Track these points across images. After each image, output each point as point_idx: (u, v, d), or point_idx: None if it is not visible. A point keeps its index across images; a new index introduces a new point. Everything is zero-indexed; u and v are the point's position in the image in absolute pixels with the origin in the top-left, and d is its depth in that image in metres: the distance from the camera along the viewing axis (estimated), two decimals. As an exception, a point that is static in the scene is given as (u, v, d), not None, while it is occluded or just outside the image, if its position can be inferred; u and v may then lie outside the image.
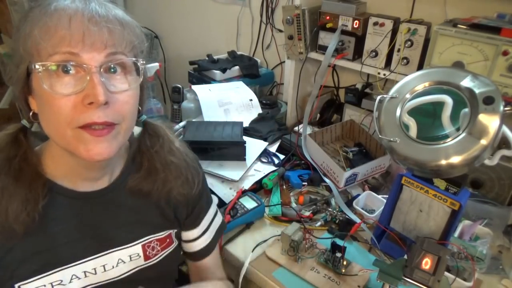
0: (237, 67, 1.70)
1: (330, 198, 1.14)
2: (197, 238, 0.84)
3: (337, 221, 1.06)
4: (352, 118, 1.39)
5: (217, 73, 1.63)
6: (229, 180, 1.18)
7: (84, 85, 0.55)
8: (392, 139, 0.74)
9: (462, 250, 0.88)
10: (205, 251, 0.86)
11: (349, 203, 1.11)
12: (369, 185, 1.21)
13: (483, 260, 0.91)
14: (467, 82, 0.71)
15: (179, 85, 1.62)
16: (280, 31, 1.69)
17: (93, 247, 0.69)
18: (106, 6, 0.58)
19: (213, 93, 1.51)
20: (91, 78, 0.54)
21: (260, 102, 1.54)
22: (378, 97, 0.81)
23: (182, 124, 1.38)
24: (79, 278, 0.68)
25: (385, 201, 0.98)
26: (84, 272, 0.68)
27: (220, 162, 1.23)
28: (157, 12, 2.24)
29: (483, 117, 0.67)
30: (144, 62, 0.62)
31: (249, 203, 1.08)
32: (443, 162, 0.68)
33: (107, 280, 0.71)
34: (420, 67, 1.14)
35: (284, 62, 1.70)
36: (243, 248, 0.99)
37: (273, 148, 1.35)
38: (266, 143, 1.34)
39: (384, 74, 1.21)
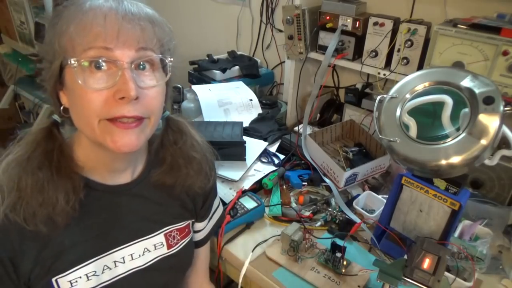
0: (237, 67, 1.70)
1: (330, 198, 1.14)
2: (203, 228, 0.88)
3: (337, 221, 1.06)
4: (352, 118, 1.39)
5: (217, 73, 1.63)
6: (229, 180, 1.18)
7: (115, 80, 0.57)
8: (392, 139, 0.74)
9: (462, 250, 0.88)
10: (203, 241, 0.90)
11: (349, 203, 1.11)
12: (369, 185, 1.21)
13: (483, 260, 0.91)
14: (467, 82, 0.71)
15: (179, 85, 1.62)
16: (280, 31, 1.69)
17: (121, 238, 0.72)
18: (138, 5, 0.60)
19: (213, 93, 1.51)
20: (122, 73, 0.57)
21: (260, 102, 1.54)
22: (378, 97, 0.81)
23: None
24: (110, 269, 0.70)
25: (385, 201, 0.98)
26: (114, 262, 0.71)
27: (220, 162, 1.23)
28: (157, 12, 2.24)
29: (483, 117, 0.67)
30: (171, 59, 0.64)
31: (249, 203, 1.08)
32: (443, 162, 0.68)
33: (134, 268, 0.74)
34: (420, 67, 1.14)
35: (284, 62, 1.70)
36: (243, 248, 0.99)
37: (273, 148, 1.35)
38: (266, 143, 1.34)
39: (384, 74, 1.21)
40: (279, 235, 0.98)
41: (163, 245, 0.77)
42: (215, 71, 1.64)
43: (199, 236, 0.89)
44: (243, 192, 1.12)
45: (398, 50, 1.16)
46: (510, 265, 0.93)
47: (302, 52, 1.36)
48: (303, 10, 1.29)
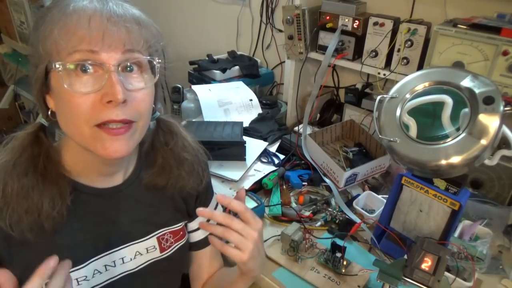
0: (237, 67, 1.70)
1: (330, 198, 1.14)
2: (199, 227, 0.86)
3: (337, 221, 1.06)
4: (352, 118, 1.39)
5: (217, 73, 1.63)
6: (229, 180, 1.18)
7: (102, 83, 0.56)
8: (392, 139, 0.74)
9: (462, 250, 0.88)
10: (206, 241, 0.87)
11: (349, 203, 1.11)
12: (369, 185, 1.21)
13: (483, 260, 0.90)
14: (467, 82, 0.71)
15: (179, 85, 1.62)
16: (280, 31, 1.69)
17: (112, 241, 0.71)
18: (123, 5, 0.59)
19: (213, 93, 1.51)
20: (109, 76, 0.56)
21: (260, 102, 1.54)
22: (378, 97, 0.81)
23: (182, 124, 1.37)
24: (101, 273, 0.69)
25: (385, 201, 0.98)
26: (105, 266, 0.70)
27: (220, 162, 1.23)
28: (157, 12, 2.24)
29: (483, 117, 0.67)
30: (159, 61, 0.63)
31: (249, 203, 1.08)
32: (443, 162, 0.68)
33: (125, 272, 0.73)
34: (420, 67, 1.14)
35: (284, 62, 1.70)
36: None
37: (273, 148, 1.35)
38: (266, 143, 1.34)
39: (384, 74, 1.21)
40: (279, 235, 0.98)
41: (156, 249, 0.76)
42: (215, 71, 1.64)
43: (197, 236, 0.87)
44: (243, 192, 1.12)
45: (398, 50, 1.16)
46: (510, 265, 0.93)
47: (302, 52, 1.36)
48: (303, 10, 1.29)
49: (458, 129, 0.70)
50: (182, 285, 0.89)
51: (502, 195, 1.07)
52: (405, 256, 0.81)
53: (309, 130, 1.34)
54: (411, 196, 0.89)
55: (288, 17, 1.31)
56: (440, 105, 0.73)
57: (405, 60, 1.16)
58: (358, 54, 1.28)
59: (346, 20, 1.25)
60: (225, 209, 1.02)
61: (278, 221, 1.08)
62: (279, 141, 1.38)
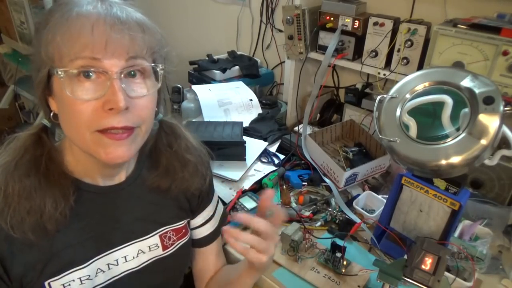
0: (237, 67, 1.70)
1: (330, 198, 1.14)
2: (204, 224, 0.86)
3: (337, 221, 1.06)
4: (352, 118, 1.39)
5: (217, 73, 1.63)
6: (229, 180, 1.18)
7: (104, 90, 0.56)
8: (392, 139, 0.74)
9: (462, 250, 0.88)
10: (211, 237, 0.88)
11: (349, 203, 1.11)
12: (369, 185, 1.21)
13: (483, 260, 0.90)
14: (467, 82, 0.71)
15: (179, 85, 1.62)
16: (280, 31, 1.69)
17: (115, 240, 0.71)
18: (127, 10, 0.58)
19: (213, 93, 1.51)
20: (111, 84, 0.55)
21: (260, 102, 1.54)
22: (378, 97, 0.81)
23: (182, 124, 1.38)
24: (104, 271, 0.69)
25: (385, 201, 0.98)
26: (108, 264, 0.70)
27: (220, 162, 1.23)
28: (156, 12, 2.24)
29: (483, 117, 0.67)
30: (163, 67, 0.63)
31: (249, 203, 1.08)
32: (443, 162, 0.68)
33: (127, 270, 0.73)
34: (420, 67, 1.14)
35: (284, 62, 1.70)
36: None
37: (273, 148, 1.35)
38: (266, 143, 1.34)
39: (384, 74, 1.21)
40: (279, 235, 0.98)
41: (158, 247, 0.76)
42: (215, 71, 1.64)
43: (202, 232, 0.86)
44: (243, 192, 1.12)
45: (398, 50, 1.16)
46: (510, 265, 0.93)
47: (302, 52, 1.36)
48: (303, 10, 1.29)
49: (458, 129, 0.70)
50: (184, 283, 0.89)
51: (502, 195, 1.07)
52: (405, 256, 0.81)
53: (309, 130, 1.34)
54: (411, 196, 0.89)
55: (288, 17, 1.31)
56: (440, 105, 0.73)
57: (405, 60, 1.16)
58: (358, 54, 1.28)
59: (346, 20, 1.25)
60: (225, 208, 1.03)
61: (278, 221, 1.08)
62: (279, 141, 1.38)
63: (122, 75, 0.57)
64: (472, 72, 0.73)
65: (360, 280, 0.88)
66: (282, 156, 1.31)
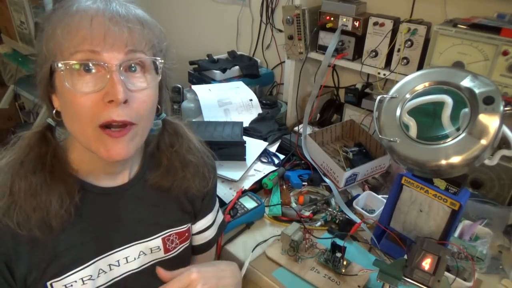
0: (237, 67, 1.70)
1: (330, 198, 1.14)
2: (203, 231, 0.86)
3: (337, 221, 1.06)
4: (352, 118, 1.39)
5: (217, 73, 1.63)
6: (229, 180, 1.18)
7: (104, 83, 0.56)
8: (392, 139, 0.74)
9: (462, 250, 0.88)
10: (207, 245, 0.88)
11: (349, 203, 1.11)
12: (369, 185, 1.21)
13: (483, 260, 0.91)
14: (467, 82, 0.71)
15: (179, 85, 1.62)
16: (280, 31, 1.69)
17: (117, 241, 0.71)
18: (127, 6, 0.59)
19: (213, 93, 1.51)
20: (111, 76, 0.56)
21: (260, 102, 1.54)
22: (378, 97, 0.81)
23: (183, 124, 1.38)
24: (105, 272, 0.70)
25: (385, 201, 0.98)
26: (109, 265, 0.70)
27: (220, 162, 1.23)
28: (157, 12, 2.24)
29: (483, 117, 0.67)
30: (162, 61, 0.64)
31: (249, 203, 1.08)
32: (443, 162, 0.68)
33: (128, 271, 0.73)
34: (420, 67, 1.14)
35: (284, 62, 1.70)
36: (243, 248, 0.99)
37: (273, 148, 1.35)
38: (266, 143, 1.34)
39: (384, 74, 1.21)
40: (279, 235, 0.98)
41: (160, 249, 0.76)
42: (215, 71, 1.64)
43: (201, 239, 0.87)
44: (243, 192, 1.12)
45: (398, 50, 1.16)
46: (510, 265, 0.93)
47: (302, 52, 1.36)
48: (303, 10, 1.29)
49: (458, 129, 0.70)
50: None
51: (502, 195, 1.07)
52: (405, 256, 0.81)
53: (309, 130, 1.34)
54: (411, 196, 0.89)
55: (288, 17, 1.31)
56: (440, 105, 0.73)
57: (405, 60, 1.16)
58: (358, 54, 1.28)
59: (346, 20, 1.25)
60: (225, 208, 1.03)
61: (278, 221, 1.08)
62: (279, 141, 1.38)
63: (121, 68, 0.57)
64: (472, 72, 0.73)
65: (360, 280, 0.88)
66: (282, 156, 1.31)
